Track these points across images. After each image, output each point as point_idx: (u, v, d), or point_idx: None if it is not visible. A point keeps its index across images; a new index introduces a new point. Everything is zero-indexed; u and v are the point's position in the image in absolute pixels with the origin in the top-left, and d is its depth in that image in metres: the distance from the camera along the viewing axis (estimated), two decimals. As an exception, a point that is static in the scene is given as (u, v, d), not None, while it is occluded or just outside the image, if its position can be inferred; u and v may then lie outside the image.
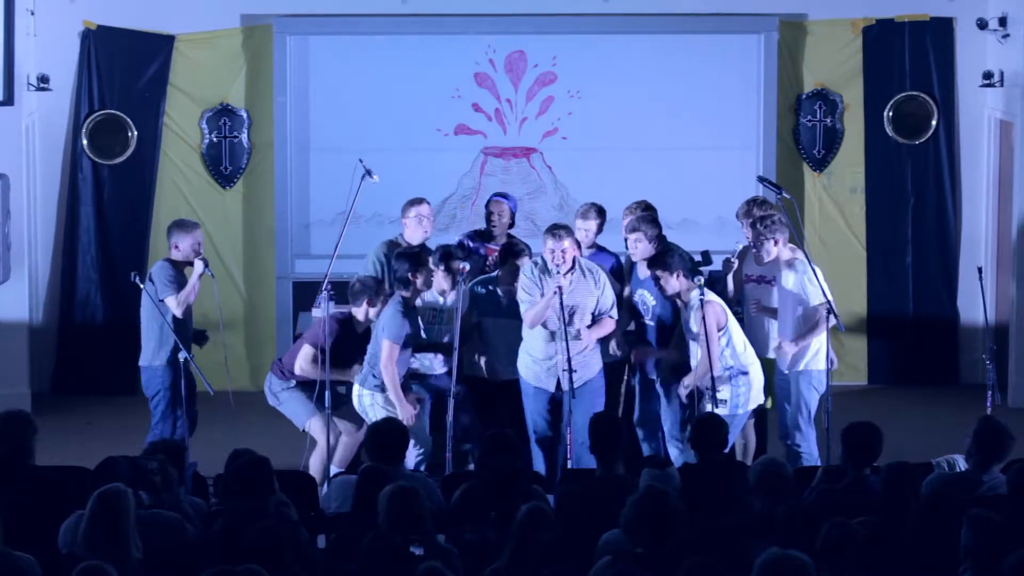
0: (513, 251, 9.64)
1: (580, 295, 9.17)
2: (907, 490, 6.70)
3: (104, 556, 5.84)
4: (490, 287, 9.56)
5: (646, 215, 9.61)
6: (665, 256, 9.18)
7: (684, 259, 9.22)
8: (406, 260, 9.20)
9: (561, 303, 8.99)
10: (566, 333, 9.01)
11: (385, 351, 9.04)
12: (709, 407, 8.86)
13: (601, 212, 10.02)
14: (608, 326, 9.30)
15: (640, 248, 9.35)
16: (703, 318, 8.89)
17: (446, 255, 9.41)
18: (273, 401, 9.52)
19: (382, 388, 9.11)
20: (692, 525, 6.28)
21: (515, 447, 7.45)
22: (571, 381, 8.97)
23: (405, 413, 8.99)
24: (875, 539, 6.34)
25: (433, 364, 9.49)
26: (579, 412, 8.91)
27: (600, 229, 9.96)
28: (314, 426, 9.28)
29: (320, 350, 9.11)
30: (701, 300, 8.90)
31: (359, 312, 9.31)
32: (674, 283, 9.12)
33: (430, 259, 9.41)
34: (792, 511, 6.35)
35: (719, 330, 9.01)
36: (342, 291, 9.51)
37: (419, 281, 9.15)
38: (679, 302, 9.18)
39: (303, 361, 9.29)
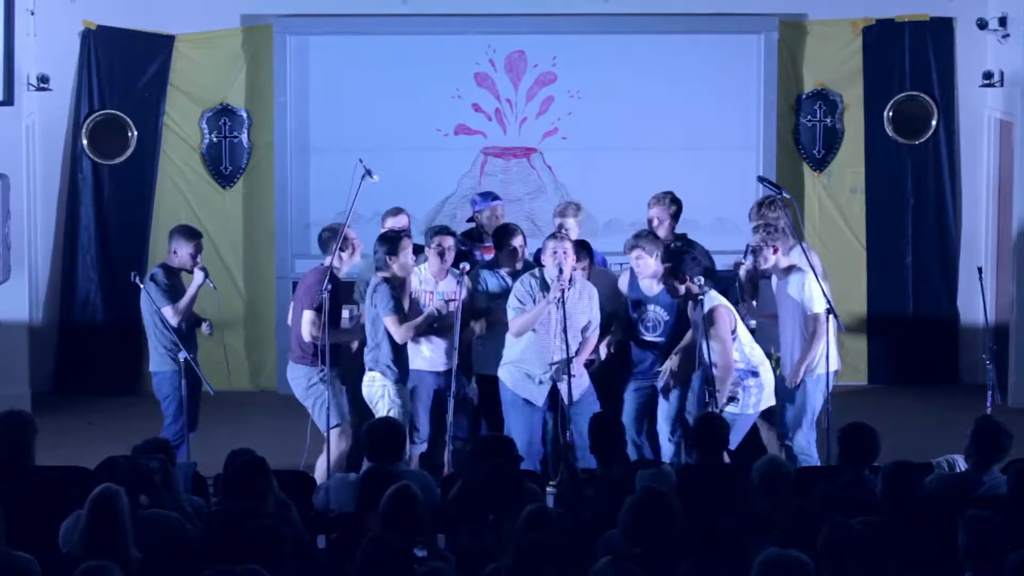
0: (508, 232, 9.63)
1: (575, 312, 9.13)
2: (907, 490, 6.70)
3: (102, 556, 5.84)
4: (497, 272, 9.57)
5: (644, 231, 9.49)
6: (680, 261, 9.15)
7: (698, 261, 9.19)
8: (385, 243, 9.25)
9: (564, 308, 8.97)
10: (567, 338, 8.97)
11: (391, 328, 9.10)
12: (719, 405, 8.86)
13: (579, 209, 10.11)
14: (592, 342, 9.29)
15: (643, 264, 9.30)
16: (713, 321, 8.91)
17: (437, 233, 9.47)
18: (300, 393, 9.34)
19: (395, 376, 9.14)
20: (691, 525, 6.27)
21: (509, 449, 7.42)
22: (569, 388, 8.95)
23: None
24: (875, 539, 6.34)
25: (435, 360, 9.46)
26: (583, 420, 8.89)
27: (579, 225, 10.00)
28: (334, 434, 9.21)
29: (318, 315, 9.11)
30: (703, 303, 8.89)
31: (333, 260, 9.31)
32: (681, 289, 9.13)
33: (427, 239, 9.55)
34: (793, 511, 6.36)
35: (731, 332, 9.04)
36: (343, 291, 9.51)
37: (396, 265, 9.17)
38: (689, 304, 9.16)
39: (309, 326, 9.22)
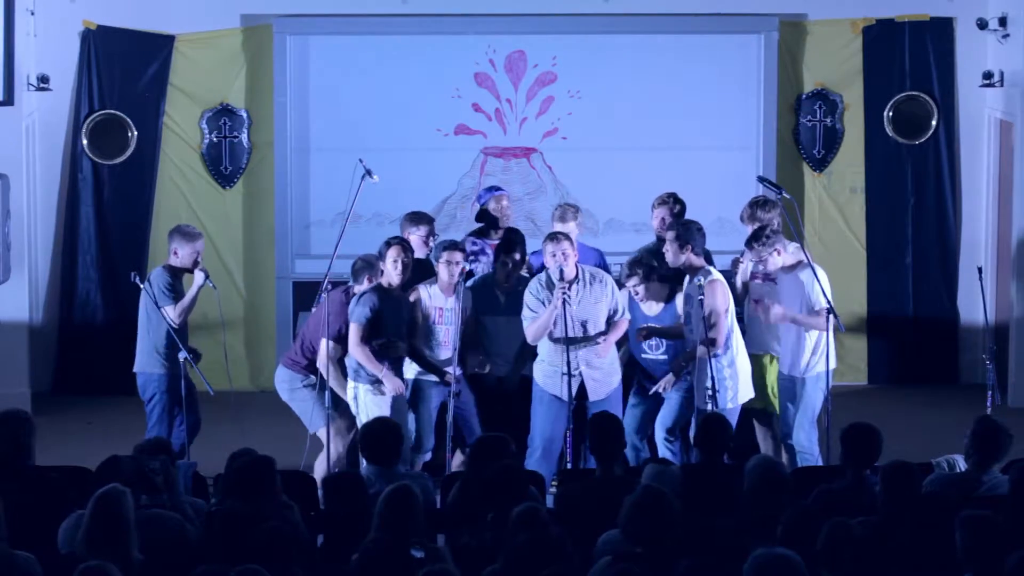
0: (507, 247, 9.66)
1: (589, 305, 9.17)
2: (907, 490, 6.70)
3: (105, 557, 5.84)
4: (488, 283, 9.58)
5: (641, 260, 9.38)
6: (687, 230, 9.17)
7: (703, 234, 9.22)
8: (384, 246, 9.24)
9: (565, 310, 8.99)
10: (567, 339, 8.99)
11: (351, 334, 9.08)
12: (709, 405, 8.89)
13: (577, 211, 10.10)
14: (622, 326, 9.33)
15: (642, 292, 9.29)
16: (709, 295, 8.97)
17: (446, 248, 9.44)
18: (285, 396, 9.47)
19: (369, 380, 9.13)
20: (691, 525, 6.27)
21: (507, 449, 7.41)
22: (570, 387, 8.99)
23: (391, 385, 9.06)
24: (875, 539, 6.34)
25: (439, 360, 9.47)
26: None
27: (580, 227, 10.02)
28: (323, 432, 9.24)
29: (333, 340, 9.15)
30: (700, 282, 8.94)
31: (360, 289, 9.31)
32: (681, 257, 9.14)
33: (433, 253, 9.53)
34: (792, 511, 6.35)
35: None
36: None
37: (385, 266, 9.17)
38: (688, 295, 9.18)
39: (325, 357, 9.23)
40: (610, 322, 9.28)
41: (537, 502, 6.85)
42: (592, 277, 9.28)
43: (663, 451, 9.28)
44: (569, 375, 9.02)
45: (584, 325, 9.15)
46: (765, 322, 9.39)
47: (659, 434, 9.33)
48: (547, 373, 9.26)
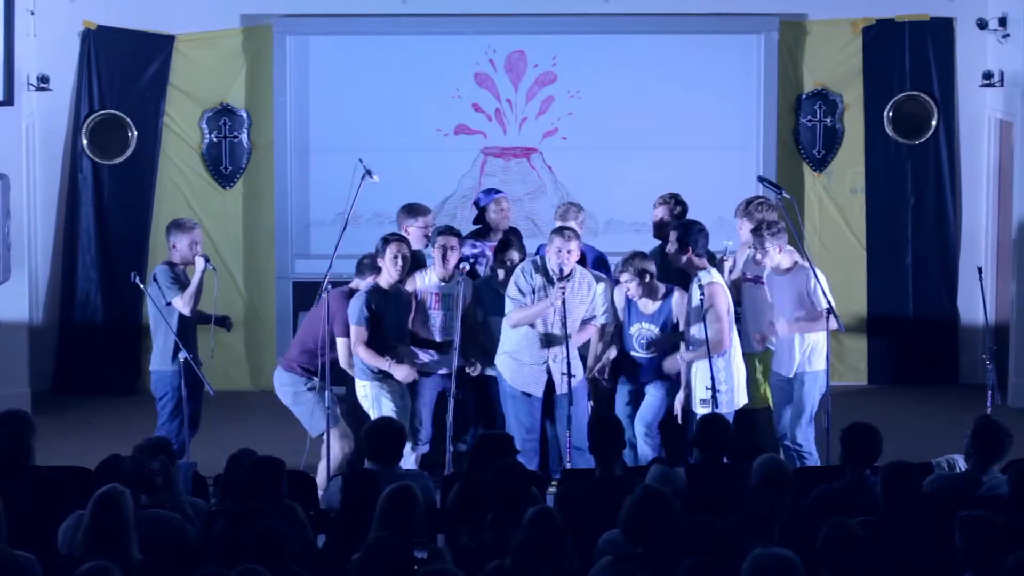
0: (505, 246, 9.70)
1: (573, 305, 9.20)
2: (907, 490, 6.70)
3: (105, 557, 5.84)
4: (493, 286, 9.60)
5: (636, 257, 9.37)
6: (688, 231, 9.18)
7: (705, 234, 9.22)
8: (382, 243, 9.25)
9: (564, 309, 9.00)
10: (567, 338, 9.01)
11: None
12: (701, 410, 8.88)
13: (580, 210, 10.07)
14: (590, 330, 9.39)
15: (634, 287, 9.31)
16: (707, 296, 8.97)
17: (441, 233, 9.45)
18: (288, 400, 9.46)
19: (375, 377, 9.13)
20: (692, 525, 6.27)
21: (509, 448, 7.42)
22: (570, 386, 9.00)
23: (400, 374, 9.09)
24: (875, 539, 6.34)
25: (438, 362, 9.46)
26: (573, 416, 8.97)
27: (581, 226, 10.02)
28: (333, 437, 9.21)
29: (343, 336, 9.19)
30: (700, 283, 8.95)
31: (363, 285, 9.31)
32: (682, 258, 9.14)
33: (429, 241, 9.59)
34: (792, 511, 6.36)
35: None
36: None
37: (385, 263, 9.17)
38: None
39: (346, 354, 9.26)
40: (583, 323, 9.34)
41: (540, 502, 6.86)
42: (582, 278, 9.29)
43: (642, 447, 9.28)
44: (570, 374, 9.03)
45: (563, 321, 9.14)
46: (770, 334, 9.39)
47: (639, 429, 9.34)
48: (513, 368, 9.27)
